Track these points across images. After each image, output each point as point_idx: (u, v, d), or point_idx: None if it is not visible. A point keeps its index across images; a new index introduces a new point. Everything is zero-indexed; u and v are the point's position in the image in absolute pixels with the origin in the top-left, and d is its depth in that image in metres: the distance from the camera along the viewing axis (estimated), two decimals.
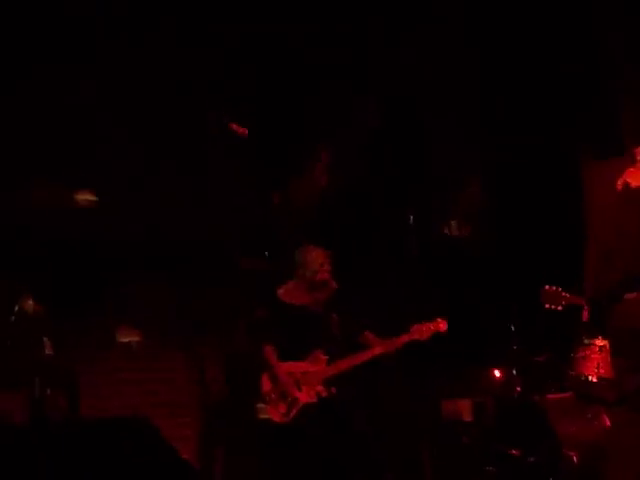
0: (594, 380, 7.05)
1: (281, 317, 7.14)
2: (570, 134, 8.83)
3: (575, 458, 6.87)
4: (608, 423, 7.09)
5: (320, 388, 6.89)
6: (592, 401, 7.20)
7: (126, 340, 7.98)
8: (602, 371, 7.01)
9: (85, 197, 7.82)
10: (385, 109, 8.48)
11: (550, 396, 7.47)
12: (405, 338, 6.99)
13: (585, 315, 5.87)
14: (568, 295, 6.25)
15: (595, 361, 7.07)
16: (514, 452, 7.14)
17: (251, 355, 7.89)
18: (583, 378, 7.09)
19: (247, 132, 5.92)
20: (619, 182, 5.91)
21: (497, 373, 8.07)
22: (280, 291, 7.23)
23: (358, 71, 8.23)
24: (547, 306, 6.33)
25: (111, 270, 7.92)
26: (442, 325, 7.05)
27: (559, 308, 6.26)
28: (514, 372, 7.84)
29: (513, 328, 7.91)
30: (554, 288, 6.27)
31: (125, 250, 7.91)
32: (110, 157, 7.75)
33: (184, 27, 7.88)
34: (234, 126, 5.82)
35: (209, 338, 8.25)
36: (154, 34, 7.77)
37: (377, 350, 6.98)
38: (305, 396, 6.88)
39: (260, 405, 7.54)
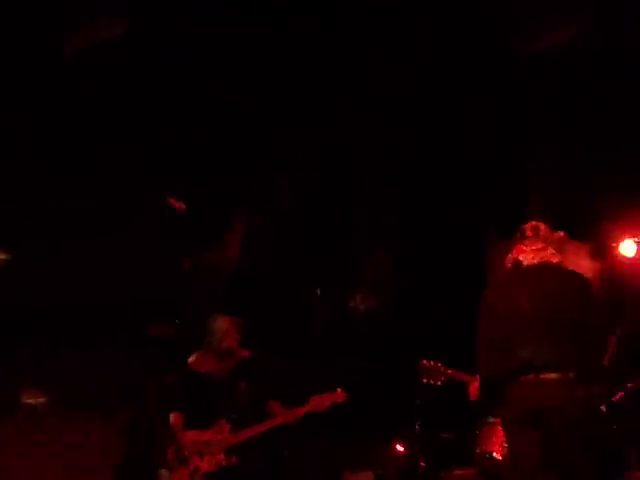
0: (498, 457, 7.23)
1: (190, 385, 7.22)
2: (479, 213, 9.15)
3: None
4: None
5: (221, 457, 6.97)
6: (497, 478, 7.39)
7: (32, 401, 7.88)
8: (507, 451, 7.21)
9: None
10: (298, 190, 8.62)
11: (455, 472, 7.59)
12: (304, 409, 7.08)
13: (472, 393, 5.85)
14: (448, 371, 6.19)
15: (499, 438, 7.27)
16: None
17: (157, 421, 7.96)
18: (487, 455, 7.27)
19: (185, 207, 5.98)
20: (508, 260, 5.89)
21: (399, 447, 8.16)
22: (190, 359, 7.31)
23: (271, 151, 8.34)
24: (425, 381, 6.25)
25: (17, 331, 7.85)
26: (340, 396, 7.14)
27: (438, 383, 6.21)
28: (417, 447, 7.96)
29: (418, 402, 8.01)
30: (432, 363, 6.21)
31: (33, 312, 7.87)
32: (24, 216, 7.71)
33: None
34: (172, 201, 5.87)
35: (119, 402, 8.23)
36: None
37: (277, 420, 7.07)
38: (206, 465, 6.95)
39: (163, 471, 7.61)
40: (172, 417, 7.15)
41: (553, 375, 5.21)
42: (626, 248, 9.43)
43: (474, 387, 5.69)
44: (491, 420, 7.38)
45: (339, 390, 7.15)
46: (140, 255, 7.92)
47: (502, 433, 7.22)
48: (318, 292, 8.37)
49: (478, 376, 5.65)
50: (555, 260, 5.58)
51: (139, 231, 7.29)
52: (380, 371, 8.85)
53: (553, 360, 5.22)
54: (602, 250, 9.54)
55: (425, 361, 6.18)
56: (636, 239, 9.38)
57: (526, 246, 5.62)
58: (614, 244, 9.44)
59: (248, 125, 8.13)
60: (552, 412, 5.15)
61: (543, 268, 5.49)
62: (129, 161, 7.96)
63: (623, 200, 9.27)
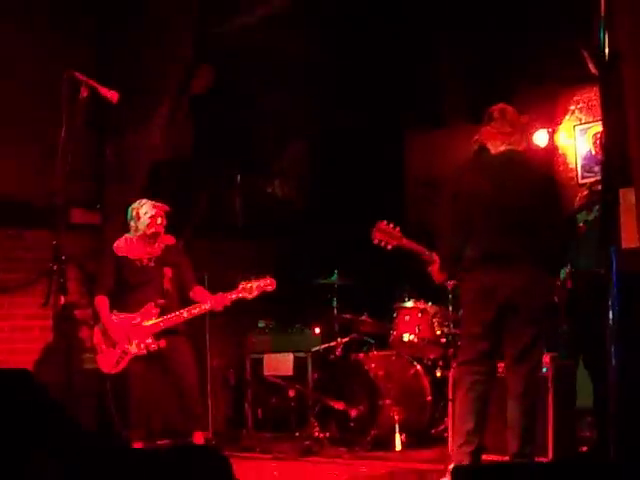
0: (415, 341, 7.48)
1: (115, 269, 7.30)
2: (394, 106, 9.24)
3: (396, 412, 7.28)
4: (425, 381, 7.59)
5: (149, 341, 7.11)
6: (413, 360, 7.67)
7: None
8: (422, 333, 7.47)
9: None
10: (215, 73, 8.57)
11: (372, 353, 7.82)
12: (233, 295, 7.17)
13: (434, 273, 5.79)
14: (404, 239, 5.90)
15: (415, 323, 7.52)
16: (337, 405, 7.46)
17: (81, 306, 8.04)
18: (405, 339, 7.52)
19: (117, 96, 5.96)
20: (475, 142, 5.77)
21: (317, 330, 8.35)
22: (115, 244, 7.35)
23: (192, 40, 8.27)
24: (376, 241, 5.94)
25: None
26: (270, 285, 7.22)
27: (388, 247, 5.88)
28: (335, 330, 8.18)
29: (336, 286, 8.21)
30: (391, 226, 5.92)
31: None
32: None
33: None
34: (104, 90, 5.84)
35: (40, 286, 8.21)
36: None
37: (206, 306, 7.19)
38: (134, 348, 7.09)
39: (88, 355, 7.74)
40: (97, 300, 7.25)
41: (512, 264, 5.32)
42: (539, 138, 9.67)
43: (434, 267, 5.71)
44: (409, 304, 7.58)
45: (269, 278, 7.23)
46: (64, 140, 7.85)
47: (418, 319, 7.53)
48: (238, 179, 8.44)
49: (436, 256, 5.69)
50: (520, 148, 5.63)
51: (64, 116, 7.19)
52: (298, 257, 9.00)
53: (511, 250, 5.33)
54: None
55: (384, 223, 5.94)
56: (549, 129, 9.62)
57: (493, 128, 5.60)
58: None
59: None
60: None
61: (509, 156, 5.52)
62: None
63: (537, 89, 9.43)
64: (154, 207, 7.28)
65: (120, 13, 8.04)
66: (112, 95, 5.95)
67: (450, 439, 6.38)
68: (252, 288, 7.17)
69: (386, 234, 5.90)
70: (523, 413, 5.40)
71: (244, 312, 7.92)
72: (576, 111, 9.61)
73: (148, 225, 7.24)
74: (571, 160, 9.62)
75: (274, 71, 8.73)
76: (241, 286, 7.18)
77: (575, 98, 9.59)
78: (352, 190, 9.15)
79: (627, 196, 6.13)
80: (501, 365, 5.68)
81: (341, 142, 9.31)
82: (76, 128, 5.65)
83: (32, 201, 8.10)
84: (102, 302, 7.23)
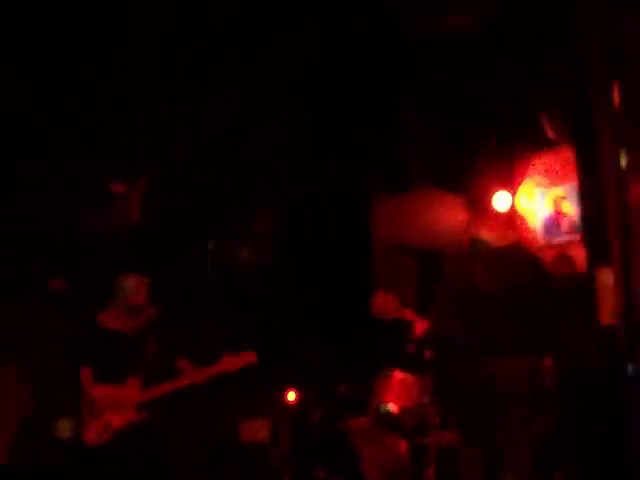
0: (394, 410, 7.65)
1: (100, 341, 7.36)
2: (362, 170, 9.45)
3: None
4: (404, 449, 7.76)
5: (132, 413, 7.17)
6: (391, 429, 7.83)
7: None
8: (402, 402, 7.64)
9: None
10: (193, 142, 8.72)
11: (352, 422, 7.97)
12: (216, 369, 7.22)
13: (419, 330, 5.96)
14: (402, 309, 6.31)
15: (395, 392, 7.69)
16: (320, 474, 7.60)
17: (62, 375, 8.07)
18: (382, 409, 7.68)
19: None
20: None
21: (293, 395, 8.49)
22: (101, 316, 7.43)
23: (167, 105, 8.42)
24: (377, 314, 6.38)
25: None
26: (252, 358, 7.28)
27: (387, 319, 6.31)
28: (312, 396, 8.32)
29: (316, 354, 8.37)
30: (388, 296, 6.34)
31: None
32: None
33: None
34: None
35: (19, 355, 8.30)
36: None
37: (189, 379, 7.22)
38: (118, 420, 7.11)
39: (63, 423, 7.78)
40: (82, 372, 7.28)
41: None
42: (500, 201, 9.92)
43: (420, 327, 5.88)
44: (388, 373, 7.75)
45: (249, 352, 7.29)
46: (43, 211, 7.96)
47: (397, 387, 7.71)
48: (211, 247, 8.55)
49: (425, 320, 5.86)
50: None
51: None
52: (271, 324, 9.13)
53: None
54: (476, 202, 10.00)
55: (382, 293, 6.14)
56: (510, 192, 9.89)
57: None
58: (488, 197, 9.92)
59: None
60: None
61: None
62: None
63: (498, 152, 9.71)
64: (136, 280, 7.38)
65: None
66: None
67: None
68: (235, 362, 7.24)
69: (385, 305, 6.10)
70: None
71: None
72: (535, 175, 9.90)
73: (131, 298, 7.35)
74: (531, 222, 9.90)
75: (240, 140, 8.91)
76: (224, 360, 7.25)
77: (535, 162, 9.89)
78: (320, 255, 9.32)
79: (603, 276, 6.43)
80: None
81: (309, 207, 9.48)
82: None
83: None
84: (87, 375, 7.24)
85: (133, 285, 7.37)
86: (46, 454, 8.14)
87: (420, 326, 5.96)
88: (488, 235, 5.85)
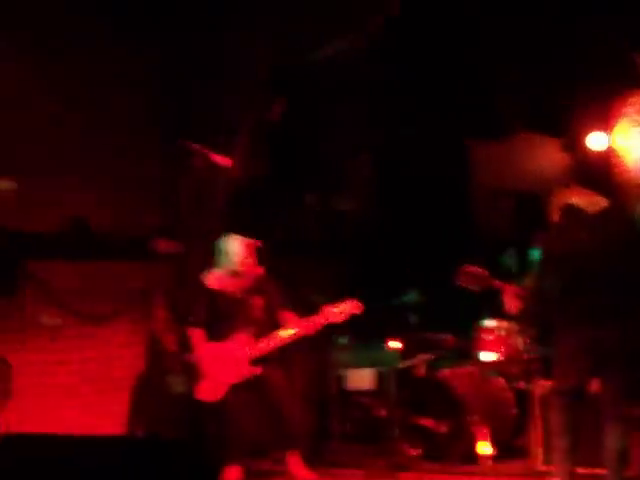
0: (498, 359, 7.78)
1: (208, 302, 7.56)
2: (455, 117, 9.47)
3: (484, 427, 7.57)
4: (509, 394, 7.90)
5: (245, 369, 7.39)
6: (497, 375, 7.97)
7: (46, 321, 8.17)
8: (506, 351, 7.76)
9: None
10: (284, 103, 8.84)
11: (456, 370, 8.10)
12: (323, 320, 7.31)
13: (507, 301, 6.07)
14: (490, 279, 6.24)
15: (498, 342, 7.81)
16: (426, 422, 7.77)
17: (173, 335, 8.35)
18: (488, 358, 7.81)
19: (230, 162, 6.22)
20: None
21: (396, 344, 8.64)
22: (206, 278, 7.61)
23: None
24: (464, 284, 6.32)
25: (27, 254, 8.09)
26: (357, 307, 7.33)
27: (475, 289, 6.30)
28: (413, 345, 8.48)
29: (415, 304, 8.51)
30: (476, 269, 6.27)
31: (40, 234, 8.11)
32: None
33: None
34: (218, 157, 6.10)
35: (130, 315, 8.59)
36: None
37: (299, 332, 7.35)
38: (230, 377, 7.34)
39: (177, 379, 8.06)
40: (192, 333, 7.51)
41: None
42: (596, 141, 9.88)
43: (509, 296, 6.00)
44: (490, 324, 7.86)
45: (355, 300, 7.33)
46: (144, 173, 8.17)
47: (500, 338, 7.82)
48: (309, 199, 8.69)
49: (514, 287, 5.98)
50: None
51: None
52: (373, 274, 9.28)
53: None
54: (573, 143, 9.96)
55: (470, 267, 6.28)
56: (606, 131, 9.83)
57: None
58: (584, 137, 9.88)
59: None
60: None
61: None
62: None
63: (592, 93, 9.63)
64: (243, 245, 7.50)
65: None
66: (226, 162, 6.18)
67: (540, 454, 6.73)
68: (340, 312, 7.31)
69: (473, 277, 6.21)
70: (621, 435, 5.74)
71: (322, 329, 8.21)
72: (631, 113, 9.81)
73: (238, 264, 7.47)
74: (628, 161, 9.84)
75: (337, 88, 8.98)
76: (328, 310, 7.34)
77: (629, 100, 9.79)
78: (418, 202, 9.40)
79: None
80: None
81: (405, 154, 9.54)
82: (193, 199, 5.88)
83: (116, 233, 8.43)
84: (198, 335, 7.48)
85: (239, 250, 7.52)
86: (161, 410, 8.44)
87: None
88: (579, 201, 5.87)
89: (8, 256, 7.85)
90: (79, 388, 8.18)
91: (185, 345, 7.70)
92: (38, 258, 8.08)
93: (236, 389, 7.37)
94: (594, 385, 6.09)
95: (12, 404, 7.63)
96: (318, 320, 7.36)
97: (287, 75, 8.53)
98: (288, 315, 7.57)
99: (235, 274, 7.51)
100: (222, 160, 6.13)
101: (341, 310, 7.34)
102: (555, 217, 5.98)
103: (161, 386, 8.41)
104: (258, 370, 7.36)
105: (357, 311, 7.38)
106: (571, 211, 5.88)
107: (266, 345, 7.38)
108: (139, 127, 8.51)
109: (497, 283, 6.21)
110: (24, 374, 7.85)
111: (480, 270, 6.24)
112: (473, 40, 9.28)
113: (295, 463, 7.42)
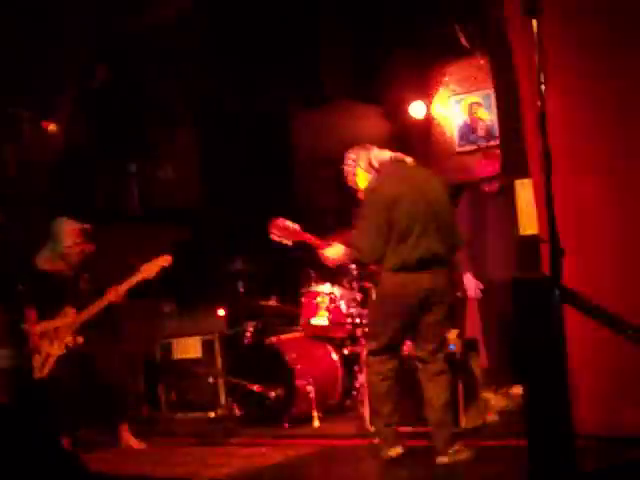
0: (324, 323, 7.86)
1: (38, 283, 7.48)
2: (280, 88, 9.52)
3: (312, 391, 7.65)
4: (336, 358, 8.01)
5: (69, 339, 7.34)
6: (322, 340, 8.06)
7: None
8: (331, 315, 7.85)
9: None
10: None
11: (284, 337, 8.17)
12: (135, 279, 7.33)
13: (325, 258, 6.12)
14: (302, 233, 6.19)
15: (323, 306, 7.88)
16: (256, 388, 7.80)
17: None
18: (314, 322, 7.89)
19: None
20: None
21: (221, 312, 8.67)
22: (37, 260, 7.52)
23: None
24: (275, 238, 6.23)
25: None
26: (166, 260, 7.34)
27: (288, 242, 6.21)
28: (241, 312, 8.53)
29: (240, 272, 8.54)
30: (288, 222, 6.20)
31: None
32: None
33: None
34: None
35: None
36: None
37: (110, 297, 7.33)
38: (56, 349, 7.33)
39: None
40: (27, 313, 7.43)
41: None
42: (416, 109, 10.12)
43: (325, 252, 6.07)
44: (316, 288, 7.94)
45: (166, 255, 7.38)
46: None
47: (324, 302, 7.91)
48: (133, 167, 8.61)
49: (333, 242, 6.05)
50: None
51: None
52: (199, 242, 9.26)
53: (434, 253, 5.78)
54: (393, 112, 10.18)
55: (281, 220, 6.24)
56: (426, 100, 10.09)
57: None
58: (404, 106, 10.11)
59: None
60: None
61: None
62: None
63: (412, 62, 9.85)
64: (72, 230, 7.47)
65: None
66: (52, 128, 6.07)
67: (367, 416, 6.86)
68: (151, 267, 7.33)
69: (284, 230, 6.26)
70: (443, 389, 5.90)
71: (147, 297, 8.17)
72: (450, 83, 10.10)
73: (67, 247, 7.46)
74: (448, 130, 10.14)
75: (163, 60, 8.89)
76: (142, 268, 7.35)
77: (448, 70, 10.08)
78: (243, 174, 9.43)
79: (523, 187, 6.66)
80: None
81: (230, 127, 9.55)
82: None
83: None
84: (30, 314, 7.44)
85: (70, 234, 7.46)
86: None
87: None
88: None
89: None
90: None
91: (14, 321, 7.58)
92: None
93: (64, 361, 7.32)
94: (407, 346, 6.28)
95: None
96: (131, 280, 7.35)
97: (111, 42, 8.36)
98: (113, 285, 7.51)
99: (63, 256, 7.49)
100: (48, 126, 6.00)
101: (152, 265, 7.35)
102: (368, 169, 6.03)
103: None
104: (80, 339, 7.29)
105: (167, 263, 7.36)
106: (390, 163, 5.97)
107: (85, 314, 7.37)
108: None
109: (309, 237, 6.21)
110: None
111: (291, 223, 6.24)
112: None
113: (125, 432, 7.38)
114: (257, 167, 9.50)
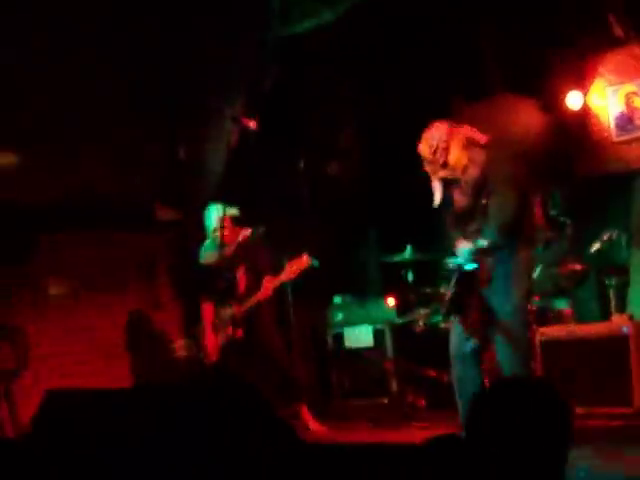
0: None
1: (203, 277, 8.06)
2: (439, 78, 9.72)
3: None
4: None
5: (230, 329, 7.74)
6: None
7: (58, 292, 8.35)
8: None
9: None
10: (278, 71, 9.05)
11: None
12: (280, 278, 7.67)
13: None
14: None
15: None
16: (429, 373, 8.03)
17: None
18: None
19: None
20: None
21: (391, 301, 8.92)
22: (200, 254, 8.07)
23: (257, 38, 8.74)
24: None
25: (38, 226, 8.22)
26: (305, 262, 7.58)
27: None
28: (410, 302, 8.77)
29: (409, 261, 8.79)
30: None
31: (49, 207, 8.23)
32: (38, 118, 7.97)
33: None
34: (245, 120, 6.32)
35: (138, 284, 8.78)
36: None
37: (263, 293, 7.73)
38: (221, 338, 7.86)
39: (181, 341, 8.34)
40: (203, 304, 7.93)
41: None
42: (573, 101, 10.19)
43: None
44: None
45: (304, 255, 7.59)
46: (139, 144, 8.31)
47: None
48: (302, 164, 8.90)
49: None
50: None
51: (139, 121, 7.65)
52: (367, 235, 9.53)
53: None
54: (550, 104, 10.26)
55: None
56: (582, 91, 10.14)
57: None
58: (561, 97, 10.18)
59: None
60: None
61: None
62: None
63: (568, 53, 9.93)
64: (219, 217, 7.85)
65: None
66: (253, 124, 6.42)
67: None
68: (292, 269, 7.61)
69: None
70: None
71: (318, 289, 8.48)
72: (606, 73, 10.13)
73: (216, 234, 7.89)
74: (604, 120, 10.18)
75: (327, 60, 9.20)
76: (285, 268, 7.65)
77: (604, 61, 10.11)
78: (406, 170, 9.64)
79: None
80: None
81: (392, 123, 9.77)
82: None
83: (116, 201, 8.59)
84: (207, 309, 7.95)
85: (216, 220, 7.88)
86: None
87: None
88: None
89: (18, 229, 7.98)
90: (88, 355, 8.34)
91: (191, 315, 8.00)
92: (48, 230, 8.21)
93: (227, 350, 7.81)
94: None
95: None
96: (278, 279, 7.68)
97: (280, 45, 8.72)
98: (267, 278, 7.85)
99: (219, 248, 7.89)
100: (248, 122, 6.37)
101: (296, 266, 7.62)
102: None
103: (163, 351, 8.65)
104: (239, 330, 7.74)
105: (305, 266, 7.60)
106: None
107: (243, 307, 7.80)
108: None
109: None
110: (39, 344, 8.03)
111: None
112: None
113: (305, 414, 7.69)
114: (419, 162, 9.67)
